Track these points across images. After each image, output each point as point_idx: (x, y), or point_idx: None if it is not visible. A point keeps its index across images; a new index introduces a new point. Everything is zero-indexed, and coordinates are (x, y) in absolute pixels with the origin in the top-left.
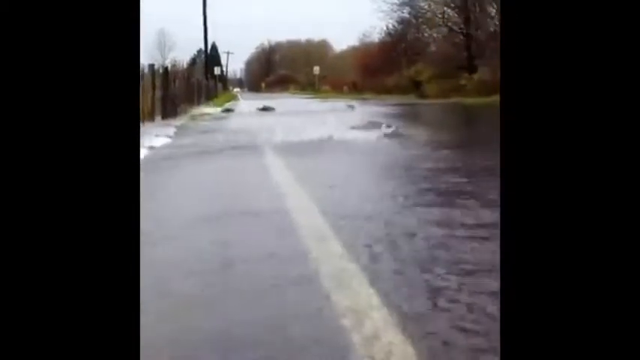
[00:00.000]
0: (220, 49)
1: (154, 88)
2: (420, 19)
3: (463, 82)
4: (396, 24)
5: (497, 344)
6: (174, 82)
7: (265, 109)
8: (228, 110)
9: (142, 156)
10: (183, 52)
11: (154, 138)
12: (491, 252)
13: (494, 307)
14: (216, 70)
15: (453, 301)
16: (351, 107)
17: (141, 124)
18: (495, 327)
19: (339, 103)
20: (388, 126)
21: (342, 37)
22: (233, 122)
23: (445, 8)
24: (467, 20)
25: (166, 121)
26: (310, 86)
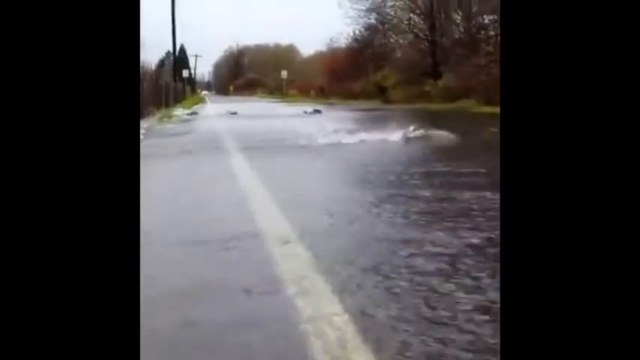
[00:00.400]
0: (189, 52)
1: None
2: (387, 26)
3: (428, 88)
4: (362, 30)
5: None
6: (142, 84)
7: (233, 113)
8: (194, 113)
9: None
10: (151, 54)
11: None
12: None
13: None
14: (185, 73)
15: None
16: (318, 112)
17: None
18: None
19: (307, 108)
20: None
21: (310, 42)
22: (200, 125)
23: (411, 15)
24: (432, 27)
25: None
26: (278, 90)
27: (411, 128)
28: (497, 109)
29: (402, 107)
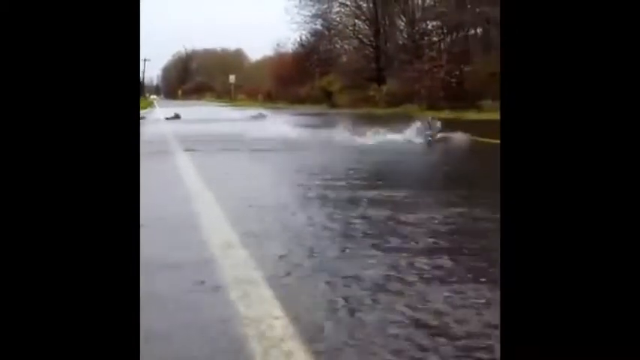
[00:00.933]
0: None
1: None
2: (332, 31)
3: (372, 93)
4: (309, 35)
5: None
6: None
7: (177, 116)
8: (142, 117)
9: None
10: None
11: None
12: None
13: None
14: None
15: None
16: (263, 116)
17: None
18: None
19: (252, 112)
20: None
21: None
22: (147, 129)
23: (356, 21)
24: (377, 33)
25: None
26: (226, 94)
27: (428, 131)
28: (439, 114)
29: (347, 111)
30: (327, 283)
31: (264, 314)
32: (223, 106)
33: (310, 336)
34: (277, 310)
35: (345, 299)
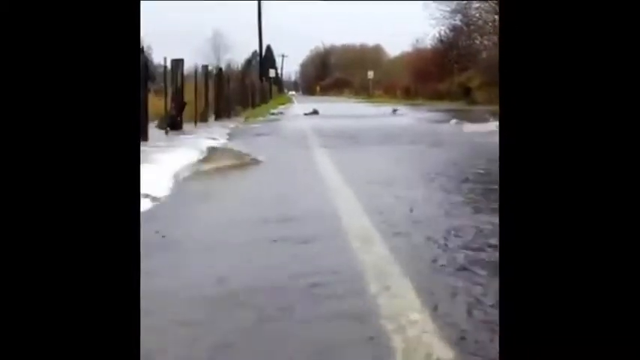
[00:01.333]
0: (276, 52)
1: (207, 89)
2: (472, 27)
3: None
4: (447, 31)
5: None
6: (229, 83)
7: (315, 112)
8: (280, 113)
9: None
10: (239, 54)
11: (205, 140)
12: None
13: None
14: (271, 73)
15: None
16: (398, 113)
17: (191, 125)
18: None
19: (388, 108)
20: None
21: (396, 43)
22: (286, 125)
23: (495, 17)
24: None
25: (220, 122)
26: (364, 90)
27: None
28: None
29: (488, 108)
30: None
31: None
32: (361, 102)
33: None
34: None
35: None
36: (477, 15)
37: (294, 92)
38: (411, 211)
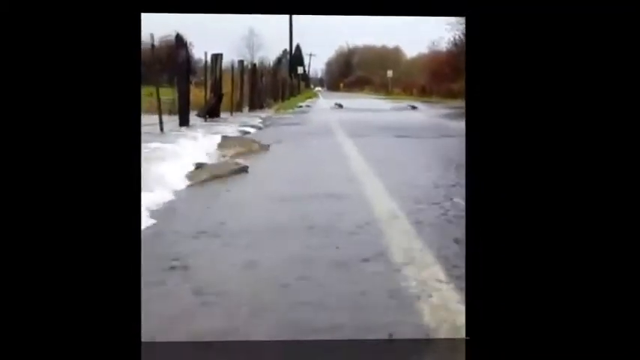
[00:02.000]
0: (304, 51)
1: (242, 82)
2: None
3: None
4: (461, 35)
5: None
6: (262, 78)
7: (340, 106)
8: (308, 106)
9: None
10: (271, 51)
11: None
12: None
13: None
14: (300, 70)
15: None
16: (414, 108)
17: (229, 114)
18: None
19: (404, 104)
20: None
21: (413, 45)
22: (313, 116)
23: None
24: None
25: (253, 112)
26: (383, 88)
27: None
28: None
29: None
30: None
31: None
32: (380, 98)
33: None
34: None
35: None
36: None
37: (319, 88)
38: None
